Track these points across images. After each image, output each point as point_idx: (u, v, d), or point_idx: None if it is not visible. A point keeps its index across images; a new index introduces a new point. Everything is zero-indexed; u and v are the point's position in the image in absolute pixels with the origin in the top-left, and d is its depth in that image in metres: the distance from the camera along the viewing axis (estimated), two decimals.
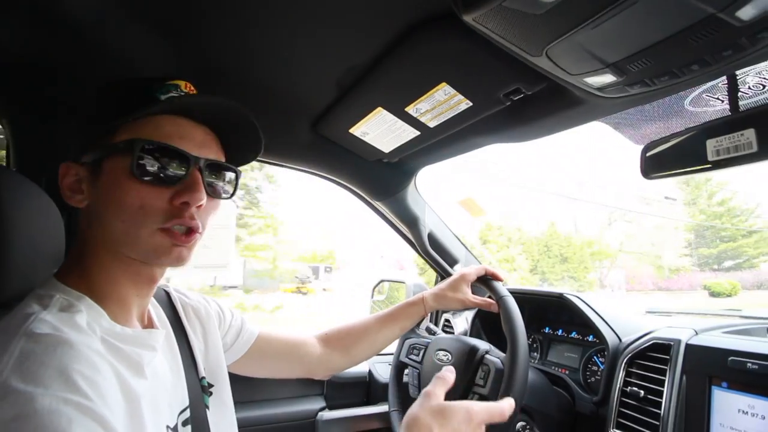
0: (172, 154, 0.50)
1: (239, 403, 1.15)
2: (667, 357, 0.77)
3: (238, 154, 0.61)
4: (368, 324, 0.94)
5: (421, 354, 1.05)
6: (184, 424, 0.57)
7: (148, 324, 0.59)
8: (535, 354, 1.22)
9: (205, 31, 0.70)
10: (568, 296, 1.05)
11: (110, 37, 0.70)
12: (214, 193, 0.56)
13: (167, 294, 0.70)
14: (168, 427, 0.52)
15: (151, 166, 0.49)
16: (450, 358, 0.95)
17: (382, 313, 0.96)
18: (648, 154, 0.75)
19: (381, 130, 0.98)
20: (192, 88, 0.56)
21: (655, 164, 0.74)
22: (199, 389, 0.63)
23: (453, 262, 1.47)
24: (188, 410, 0.58)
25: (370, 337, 0.93)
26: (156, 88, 0.52)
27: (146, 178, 0.49)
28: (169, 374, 0.57)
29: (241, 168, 0.61)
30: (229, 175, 0.59)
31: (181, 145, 0.51)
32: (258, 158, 1.19)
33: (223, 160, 0.57)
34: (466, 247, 1.49)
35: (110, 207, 0.49)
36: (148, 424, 0.46)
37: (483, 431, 0.57)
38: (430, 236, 1.40)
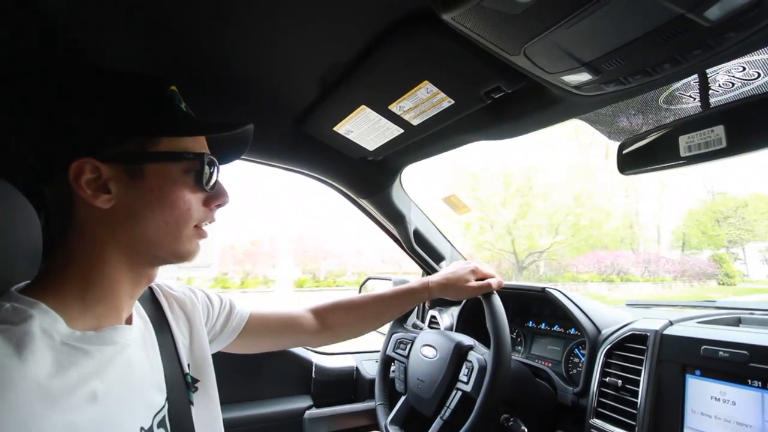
0: (212, 163, 0.57)
1: (226, 402, 1.15)
2: (644, 347, 0.80)
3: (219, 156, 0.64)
4: (368, 301, 0.95)
5: (407, 348, 1.07)
6: (159, 425, 0.55)
7: (128, 322, 0.57)
8: (520, 348, 1.25)
9: (186, 26, 0.69)
10: (550, 290, 1.07)
11: (84, 31, 0.69)
12: None
13: (150, 289, 0.69)
14: (142, 428, 0.50)
15: (207, 175, 0.56)
16: (435, 353, 0.97)
17: (384, 294, 0.96)
18: (624, 151, 0.77)
19: (365, 128, 0.98)
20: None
21: (631, 161, 0.76)
22: (183, 385, 0.62)
23: (439, 259, 1.48)
24: (164, 411, 0.56)
25: (369, 315, 0.95)
26: (172, 95, 0.56)
27: (199, 185, 0.55)
28: (148, 372, 0.56)
29: None
30: None
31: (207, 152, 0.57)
32: (242, 156, 1.18)
33: None
34: (451, 244, 1.51)
35: (156, 209, 0.52)
36: (111, 425, 0.45)
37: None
38: (416, 233, 1.41)
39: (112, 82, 0.53)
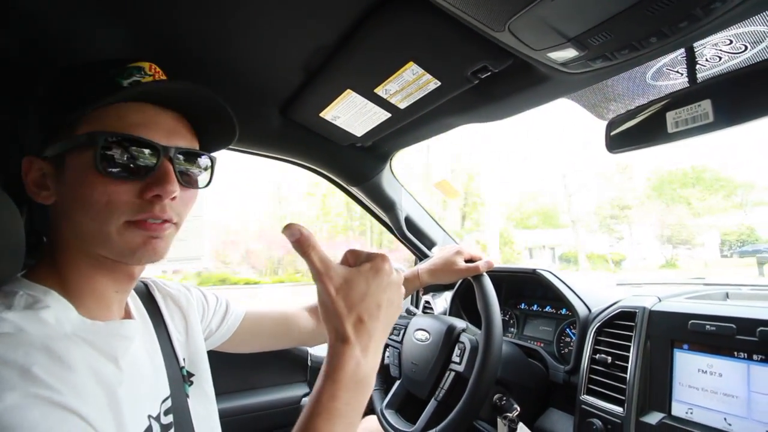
0: (138, 145, 0.48)
1: (223, 393, 1.15)
2: (633, 324, 0.81)
3: (213, 141, 0.59)
4: None
5: (401, 334, 1.07)
6: (167, 413, 0.57)
7: (126, 316, 0.58)
8: (512, 329, 1.26)
9: (163, 13, 0.66)
10: (541, 271, 1.07)
11: (63, 21, 0.66)
12: (188, 183, 0.54)
13: (146, 285, 0.70)
14: (150, 416, 0.52)
15: (117, 158, 0.47)
16: (428, 337, 0.97)
17: None
18: (612, 130, 0.76)
19: (352, 113, 0.96)
20: (158, 69, 0.54)
21: (619, 139, 0.76)
22: (180, 378, 0.63)
23: (431, 244, 1.48)
24: (169, 401, 0.58)
25: None
26: (116, 72, 0.50)
27: (112, 172, 0.46)
28: (149, 364, 0.57)
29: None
30: (204, 163, 0.56)
31: (148, 134, 0.48)
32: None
33: (196, 147, 0.55)
34: (443, 229, 1.51)
35: (77, 204, 0.48)
36: (126, 415, 0.45)
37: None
38: (407, 220, 1.41)
39: (71, 77, 0.51)
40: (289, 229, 0.45)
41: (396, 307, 0.50)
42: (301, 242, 0.45)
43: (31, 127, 0.53)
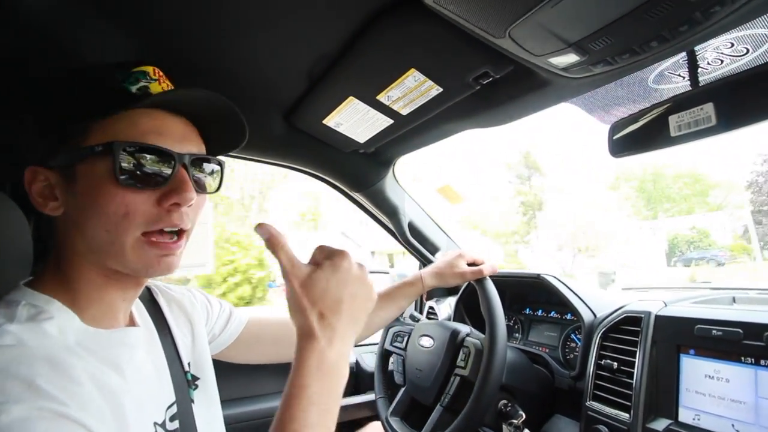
0: (155, 153, 0.47)
1: (228, 400, 1.15)
2: (639, 329, 0.80)
3: (219, 145, 0.58)
4: None
5: (405, 341, 1.07)
6: (172, 419, 0.56)
7: (130, 322, 0.58)
8: (517, 335, 1.25)
9: (166, 20, 0.67)
10: (546, 276, 1.07)
11: (63, 27, 0.67)
12: (200, 189, 0.54)
13: (149, 290, 0.69)
14: (156, 423, 0.51)
15: (134, 168, 0.45)
16: (433, 343, 0.97)
17: (380, 293, 0.95)
18: (614, 134, 0.76)
19: (354, 120, 0.97)
20: (161, 73, 0.53)
21: (622, 143, 0.76)
22: (185, 384, 0.63)
23: (434, 250, 1.48)
24: (175, 405, 0.58)
25: (369, 318, 0.94)
26: (123, 78, 0.48)
27: (130, 182, 0.46)
28: (153, 371, 0.56)
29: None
30: (213, 168, 0.56)
31: (161, 141, 0.48)
32: (230, 153, 1.17)
33: (204, 152, 0.54)
34: (447, 235, 1.50)
35: (91, 215, 0.46)
36: (131, 423, 0.45)
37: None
38: (411, 225, 1.40)
39: (55, 82, 0.51)
40: (262, 228, 0.49)
41: (362, 300, 0.53)
42: (271, 241, 0.49)
43: (33, 134, 0.52)
